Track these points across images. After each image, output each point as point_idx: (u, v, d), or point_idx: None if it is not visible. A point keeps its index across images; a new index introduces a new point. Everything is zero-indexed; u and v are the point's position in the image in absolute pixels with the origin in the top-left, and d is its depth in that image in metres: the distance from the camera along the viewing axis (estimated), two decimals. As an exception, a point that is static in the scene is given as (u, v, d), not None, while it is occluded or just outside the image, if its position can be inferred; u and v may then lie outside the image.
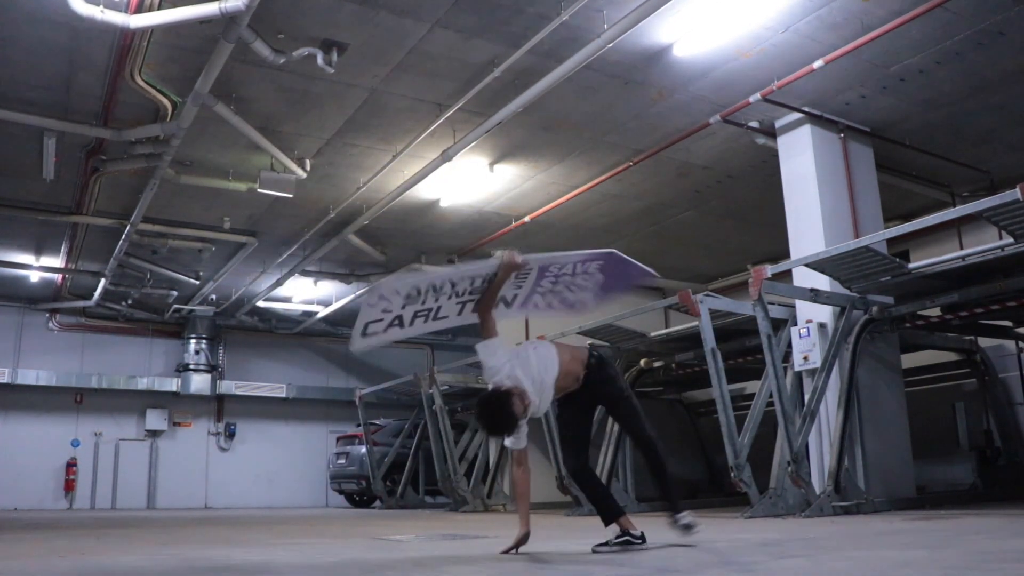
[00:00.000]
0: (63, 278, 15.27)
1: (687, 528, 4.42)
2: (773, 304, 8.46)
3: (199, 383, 18.32)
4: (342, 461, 16.10)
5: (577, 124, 9.54)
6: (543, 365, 4.32)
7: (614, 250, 4.76)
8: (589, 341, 11.10)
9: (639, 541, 4.38)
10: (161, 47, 7.73)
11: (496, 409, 4.11)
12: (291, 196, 10.59)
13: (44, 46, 7.71)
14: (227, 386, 18.79)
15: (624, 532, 4.41)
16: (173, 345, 18.74)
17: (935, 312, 8.71)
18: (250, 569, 3.80)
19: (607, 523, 4.50)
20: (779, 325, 8.56)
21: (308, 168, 10.32)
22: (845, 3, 7.25)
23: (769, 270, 7.81)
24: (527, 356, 4.31)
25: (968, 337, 10.37)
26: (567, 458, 4.64)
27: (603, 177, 10.86)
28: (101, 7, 6.67)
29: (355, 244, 12.95)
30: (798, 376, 8.59)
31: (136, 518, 11.34)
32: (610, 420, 10.81)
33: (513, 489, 4.58)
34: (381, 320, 4.31)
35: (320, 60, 7.68)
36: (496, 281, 4.34)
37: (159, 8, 6.91)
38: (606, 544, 4.39)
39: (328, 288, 15.84)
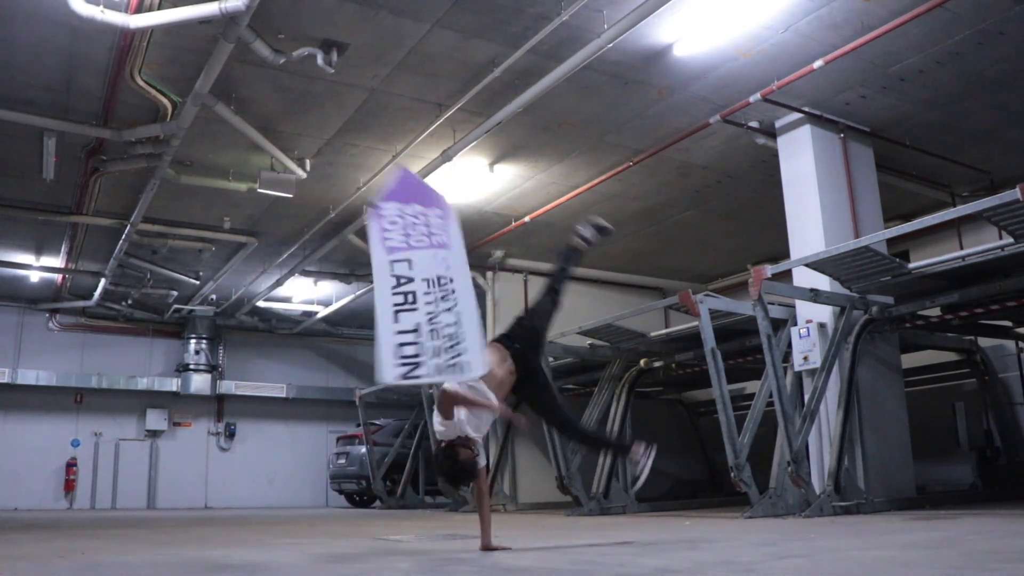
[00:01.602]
0: (63, 278, 15.27)
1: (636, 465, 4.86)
2: (773, 304, 8.47)
3: (199, 383, 18.31)
4: (342, 461, 16.10)
5: (577, 124, 9.54)
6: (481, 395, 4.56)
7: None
8: (589, 342, 11.13)
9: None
10: (161, 47, 7.73)
11: (451, 464, 4.47)
12: (291, 196, 10.59)
13: (44, 46, 7.71)
14: (227, 386, 18.78)
15: (633, 454, 4.84)
16: (173, 345, 18.74)
17: (935, 312, 8.72)
18: (250, 569, 3.80)
19: (626, 456, 4.88)
20: (779, 325, 8.57)
21: (308, 168, 10.32)
22: (845, 3, 7.25)
23: (769, 270, 7.82)
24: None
25: (968, 337, 10.38)
26: (562, 434, 4.82)
27: (603, 177, 10.86)
28: (101, 7, 6.67)
29: (355, 244, 12.93)
30: (798, 376, 8.59)
31: (136, 518, 11.34)
32: (610, 420, 10.82)
33: (480, 503, 4.83)
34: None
35: (320, 60, 7.68)
36: (481, 403, 4.55)
37: (159, 8, 6.91)
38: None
39: (328, 288, 15.85)
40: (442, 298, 4.47)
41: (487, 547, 4.55)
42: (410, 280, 4.48)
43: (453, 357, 4.34)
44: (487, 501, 4.81)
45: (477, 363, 4.34)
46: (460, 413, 4.49)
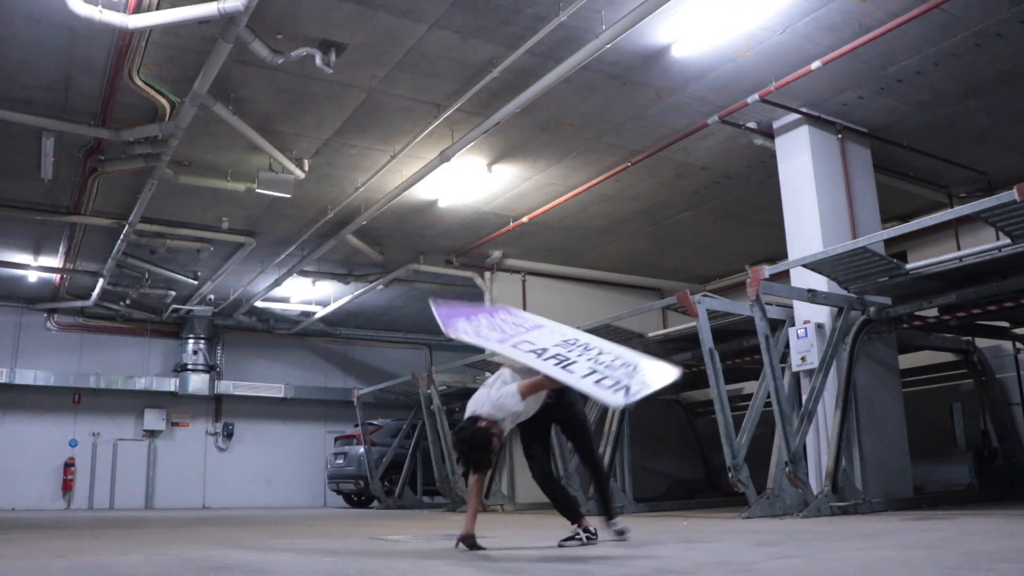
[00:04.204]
0: (61, 278, 15.26)
1: (620, 533, 4.99)
2: (771, 305, 8.47)
3: (197, 383, 18.31)
4: (340, 461, 16.09)
5: (575, 125, 9.55)
6: (506, 401, 4.68)
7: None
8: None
9: (594, 537, 4.83)
10: (159, 47, 7.73)
11: (487, 441, 4.55)
12: (289, 196, 10.59)
13: (42, 46, 7.71)
14: (225, 386, 18.78)
15: (584, 529, 4.83)
16: (171, 345, 18.73)
17: (932, 313, 8.73)
18: (248, 569, 3.80)
19: (573, 522, 4.89)
20: (777, 326, 8.57)
21: (306, 168, 10.32)
22: (843, 4, 7.26)
23: (767, 271, 7.82)
24: (497, 393, 4.72)
25: (965, 338, 10.39)
26: (535, 466, 5.01)
27: (601, 178, 10.87)
28: (99, 7, 6.67)
29: (353, 244, 12.95)
30: (796, 376, 8.60)
31: (134, 518, 11.33)
32: (606, 422, 10.84)
33: (471, 492, 4.92)
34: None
35: (318, 60, 7.68)
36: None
37: (157, 8, 6.91)
38: (571, 538, 4.79)
39: (326, 288, 15.84)
40: (586, 348, 4.41)
41: (469, 535, 4.57)
42: (544, 350, 4.41)
43: (640, 377, 4.19)
44: (481, 493, 4.93)
45: (651, 377, 4.19)
46: (530, 401, 4.65)
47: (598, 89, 8.68)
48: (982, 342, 10.66)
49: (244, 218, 12.45)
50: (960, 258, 8.33)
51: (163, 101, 8.56)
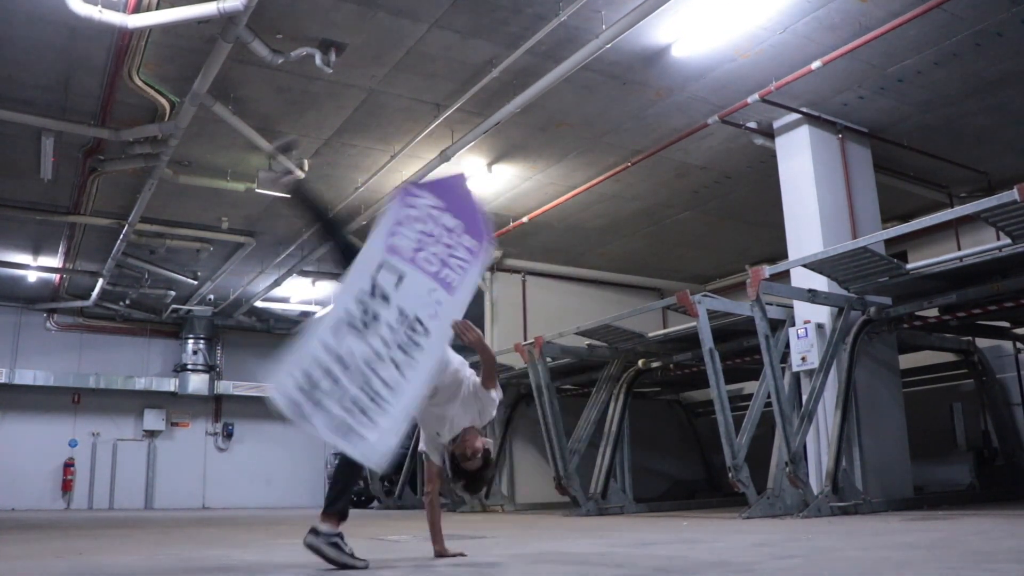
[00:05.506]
0: (61, 278, 15.25)
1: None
2: (771, 305, 8.47)
3: (197, 383, 18.30)
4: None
5: (575, 124, 9.54)
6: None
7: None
8: (587, 342, 11.14)
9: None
10: (159, 47, 7.73)
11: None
12: (289, 196, 10.58)
13: (42, 46, 7.70)
14: (225, 386, 18.77)
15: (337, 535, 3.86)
16: (171, 345, 18.72)
17: (933, 313, 8.73)
18: (248, 569, 3.80)
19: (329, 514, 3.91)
20: (777, 326, 8.57)
21: (306, 168, 10.32)
22: (843, 4, 7.26)
23: (767, 271, 7.82)
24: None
25: (966, 338, 10.39)
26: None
27: (601, 177, 10.86)
28: (99, 7, 6.67)
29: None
30: (796, 377, 8.59)
31: (134, 518, 11.32)
32: (608, 420, 10.84)
33: (432, 510, 4.37)
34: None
35: (318, 60, 7.68)
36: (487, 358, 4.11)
37: (157, 8, 6.91)
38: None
39: (326, 288, 15.84)
40: (400, 347, 3.55)
41: (441, 553, 4.24)
42: (385, 300, 3.59)
43: (358, 424, 3.31)
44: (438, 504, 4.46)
45: (376, 450, 3.35)
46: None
47: (598, 89, 8.68)
48: (982, 342, 10.66)
49: (244, 218, 12.44)
50: (960, 258, 8.32)
51: (163, 101, 8.55)
